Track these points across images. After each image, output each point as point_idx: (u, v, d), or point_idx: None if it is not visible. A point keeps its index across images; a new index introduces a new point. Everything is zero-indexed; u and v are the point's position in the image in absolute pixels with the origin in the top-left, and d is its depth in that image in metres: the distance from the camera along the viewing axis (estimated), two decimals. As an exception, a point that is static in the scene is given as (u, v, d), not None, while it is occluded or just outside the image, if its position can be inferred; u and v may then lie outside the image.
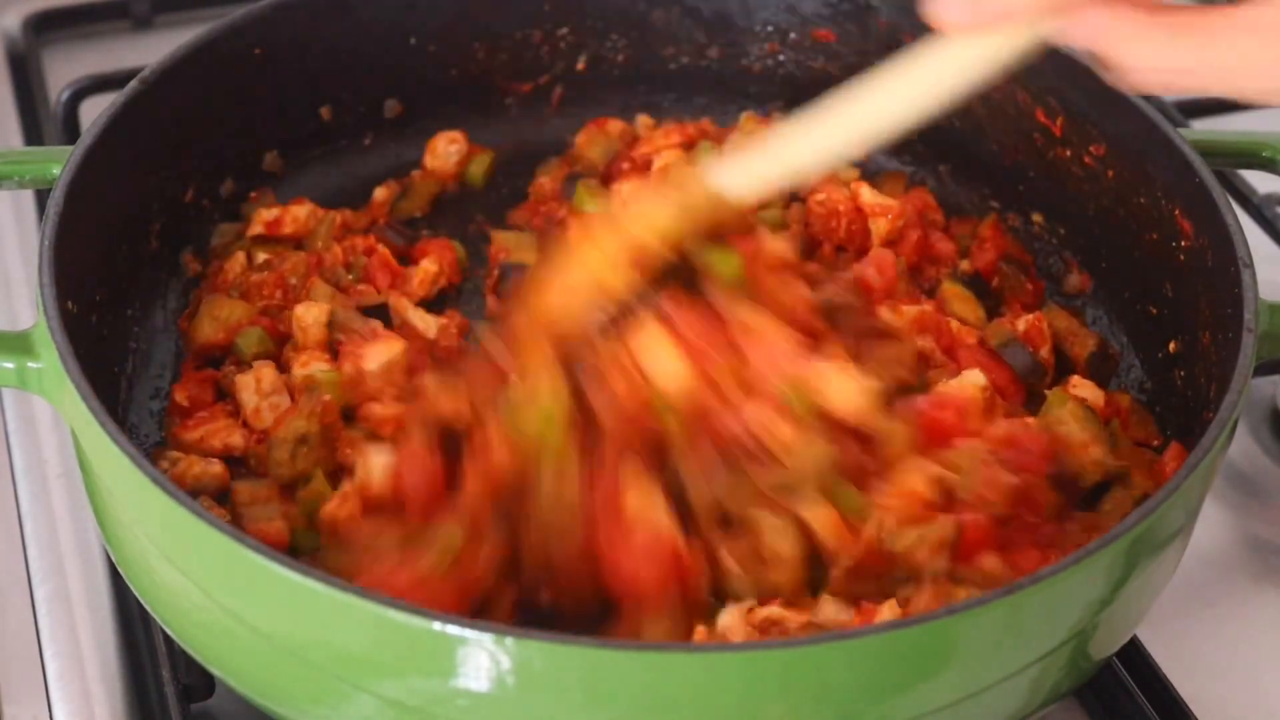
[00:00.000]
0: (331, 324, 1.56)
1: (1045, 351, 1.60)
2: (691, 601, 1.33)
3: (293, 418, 1.46)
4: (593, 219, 1.45)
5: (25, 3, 2.21)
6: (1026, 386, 1.59)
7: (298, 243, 1.69)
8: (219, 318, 1.58)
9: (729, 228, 1.42)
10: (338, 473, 1.46)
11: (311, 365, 1.53)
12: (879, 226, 1.68)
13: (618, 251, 1.39)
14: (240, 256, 1.66)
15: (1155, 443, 1.54)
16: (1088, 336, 1.63)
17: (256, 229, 1.69)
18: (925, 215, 1.74)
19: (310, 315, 1.57)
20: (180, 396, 1.54)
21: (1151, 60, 1.16)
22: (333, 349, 1.56)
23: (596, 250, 1.40)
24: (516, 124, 1.87)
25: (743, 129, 1.83)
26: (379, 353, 1.52)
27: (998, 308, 1.68)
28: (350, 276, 1.64)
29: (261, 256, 1.66)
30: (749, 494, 1.37)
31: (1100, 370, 1.61)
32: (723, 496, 1.37)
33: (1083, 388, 1.56)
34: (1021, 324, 1.61)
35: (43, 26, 2.17)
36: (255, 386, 1.52)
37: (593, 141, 1.83)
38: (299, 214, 1.69)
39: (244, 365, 1.55)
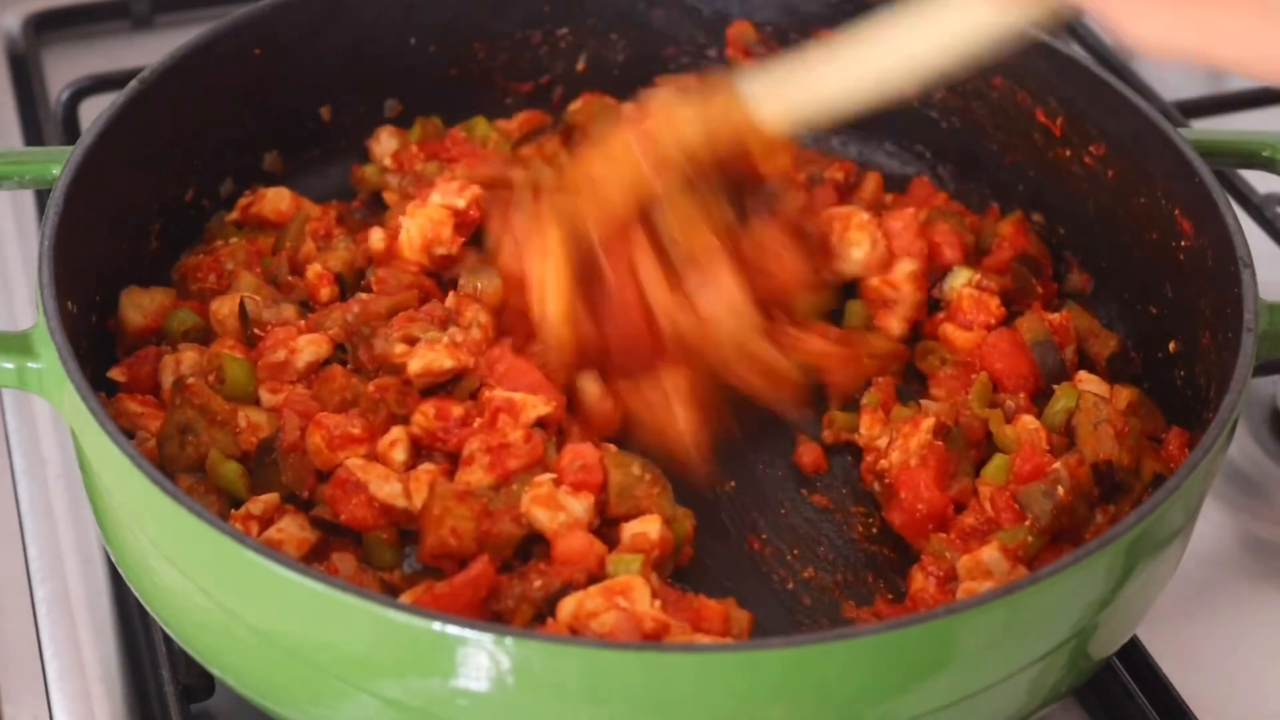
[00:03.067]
0: (245, 316, 1.54)
1: (1070, 352, 1.60)
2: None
3: (170, 411, 1.45)
4: (624, 124, 1.52)
5: (25, 3, 2.21)
6: (1039, 384, 1.59)
7: (278, 229, 1.69)
8: (141, 305, 1.56)
9: (754, 153, 1.48)
10: (246, 458, 1.45)
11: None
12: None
13: (641, 154, 1.47)
14: (217, 244, 1.66)
15: (1163, 435, 1.55)
16: (1109, 337, 1.62)
17: (234, 214, 1.70)
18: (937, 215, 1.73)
19: (225, 308, 1.56)
20: (118, 374, 1.52)
21: (1156, 33, 1.18)
22: (249, 339, 1.54)
23: (621, 152, 1.49)
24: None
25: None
26: (310, 350, 1.51)
27: (1008, 307, 1.67)
28: (291, 276, 1.63)
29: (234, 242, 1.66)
30: None
31: (1122, 372, 1.61)
32: None
33: (1089, 382, 1.56)
34: (1050, 320, 1.61)
35: (43, 26, 2.17)
36: (175, 368, 1.51)
37: (589, 112, 1.83)
38: (268, 195, 1.69)
39: (176, 347, 1.54)
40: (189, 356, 1.52)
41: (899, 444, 1.50)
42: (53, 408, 1.37)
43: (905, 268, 1.65)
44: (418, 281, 1.59)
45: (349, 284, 1.63)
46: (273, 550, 1.18)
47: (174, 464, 1.45)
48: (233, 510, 1.41)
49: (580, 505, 1.38)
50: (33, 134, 2.05)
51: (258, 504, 1.40)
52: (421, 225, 1.60)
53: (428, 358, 1.48)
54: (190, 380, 1.46)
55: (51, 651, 1.48)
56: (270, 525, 1.39)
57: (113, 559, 1.40)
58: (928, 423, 1.50)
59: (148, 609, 1.36)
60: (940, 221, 1.70)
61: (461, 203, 1.62)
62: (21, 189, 1.57)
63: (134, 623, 1.50)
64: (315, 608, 1.17)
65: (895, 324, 1.64)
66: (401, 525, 1.42)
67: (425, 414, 1.46)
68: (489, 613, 1.33)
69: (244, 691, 1.30)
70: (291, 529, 1.39)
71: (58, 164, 1.49)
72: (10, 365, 1.35)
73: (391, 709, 1.20)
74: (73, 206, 1.43)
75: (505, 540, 1.37)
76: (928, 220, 1.71)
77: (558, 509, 1.37)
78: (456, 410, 1.46)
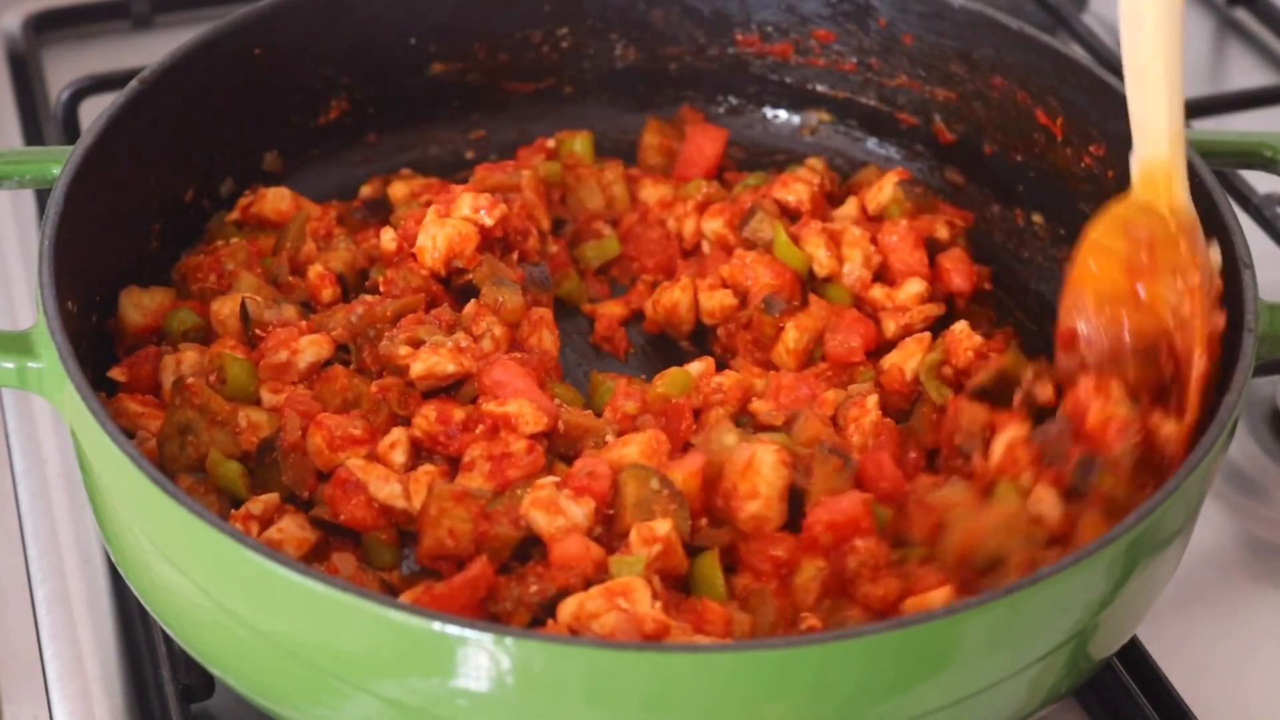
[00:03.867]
0: (246, 316, 1.54)
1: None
2: None
3: (170, 411, 1.46)
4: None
5: (25, 3, 2.21)
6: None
7: (278, 229, 1.69)
8: (141, 305, 1.57)
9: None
10: (246, 458, 1.46)
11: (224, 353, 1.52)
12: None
13: None
14: (217, 244, 1.66)
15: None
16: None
17: (235, 214, 1.70)
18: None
19: (226, 308, 1.57)
20: (118, 374, 1.52)
21: None
22: (250, 340, 1.54)
23: None
24: (517, 124, 1.87)
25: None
26: (311, 351, 1.51)
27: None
28: (291, 276, 1.63)
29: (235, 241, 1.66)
30: None
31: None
32: None
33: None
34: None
35: (43, 26, 2.17)
36: (175, 368, 1.51)
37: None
38: (268, 195, 1.69)
39: (176, 346, 1.54)
40: (189, 356, 1.52)
41: (854, 428, 1.51)
42: (53, 408, 1.37)
43: (912, 289, 1.66)
44: (426, 286, 1.59)
45: (350, 284, 1.63)
46: (273, 550, 1.18)
47: (174, 464, 1.45)
48: (233, 510, 1.41)
49: (580, 510, 1.38)
50: (33, 134, 2.05)
51: (258, 504, 1.40)
52: (449, 237, 1.59)
53: (430, 361, 1.48)
54: (190, 380, 1.46)
55: (51, 651, 1.48)
56: (270, 525, 1.39)
57: (113, 559, 1.40)
58: (872, 399, 1.52)
59: (148, 609, 1.36)
60: (938, 225, 1.71)
61: (490, 221, 1.61)
62: (21, 189, 1.57)
63: (134, 623, 1.50)
64: (315, 608, 1.16)
65: (890, 327, 1.65)
66: (401, 526, 1.42)
67: (426, 417, 1.46)
68: (486, 615, 1.33)
69: (244, 691, 1.30)
70: (291, 529, 1.39)
71: (58, 164, 1.49)
72: (10, 365, 1.35)
73: (391, 709, 1.20)
74: (73, 206, 1.43)
75: (503, 542, 1.37)
76: (920, 218, 1.72)
77: (557, 513, 1.37)
78: (458, 414, 1.46)
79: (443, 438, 1.45)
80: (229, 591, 1.23)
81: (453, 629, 1.12)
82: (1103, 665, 1.39)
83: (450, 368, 1.48)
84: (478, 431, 1.45)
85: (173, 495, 1.21)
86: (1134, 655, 1.47)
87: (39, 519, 1.59)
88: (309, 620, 1.19)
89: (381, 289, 1.59)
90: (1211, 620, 1.56)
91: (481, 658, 1.13)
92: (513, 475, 1.42)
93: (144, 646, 1.48)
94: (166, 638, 1.41)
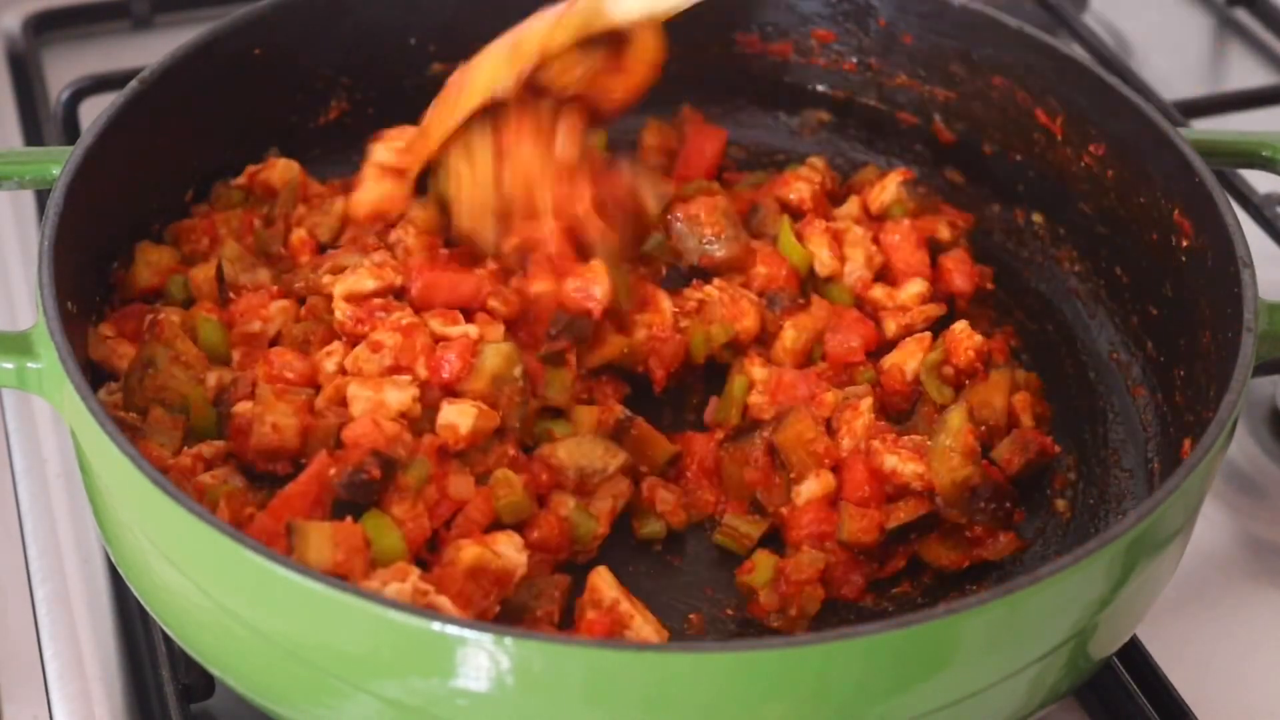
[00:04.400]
0: (221, 278, 1.59)
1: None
2: None
3: (140, 347, 1.49)
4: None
5: (25, 3, 2.21)
6: None
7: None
8: (152, 263, 1.59)
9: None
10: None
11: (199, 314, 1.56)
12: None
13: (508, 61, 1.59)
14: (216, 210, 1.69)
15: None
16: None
17: (243, 179, 1.72)
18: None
19: (203, 274, 1.60)
20: (107, 329, 1.54)
21: None
22: (224, 300, 1.58)
23: (491, 59, 1.60)
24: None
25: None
26: (281, 318, 1.56)
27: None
28: (284, 249, 1.65)
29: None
30: None
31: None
32: None
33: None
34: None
35: (43, 26, 2.17)
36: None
37: None
38: (279, 165, 1.71)
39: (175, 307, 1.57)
40: (171, 319, 1.54)
41: (845, 430, 1.52)
42: (53, 408, 1.37)
43: (913, 288, 1.66)
44: (384, 233, 1.64)
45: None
46: (272, 550, 1.18)
47: (133, 396, 1.47)
48: (185, 449, 1.44)
49: (397, 395, 1.44)
50: (33, 134, 2.05)
51: (210, 448, 1.45)
52: (371, 195, 1.64)
53: (349, 281, 1.53)
54: (161, 317, 1.50)
55: (51, 651, 1.48)
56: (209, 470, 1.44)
57: (113, 559, 1.40)
58: (866, 403, 1.53)
59: (148, 609, 1.36)
60: (940, 226, 1.71)
61: (393, 159, 1.66)
62: (21, 189, 1.57)
63: (134, 623, 1.50)
64: (315, 608, 1.17)
65: (891, 327, 1.65)
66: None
67: (340, 308, 1.52)
68: (324, 513, 1.37)
69: (244, 691, 1.30)
70: (224, 477, 1.43)
71: (58, 164, 1.49)
72: (10, 365, 1.35)
73: (391, 709, 1.20)
74: (73, 206, 1.43)
75: (327, 432, 1.43)
76: (922, 218, 1.72)
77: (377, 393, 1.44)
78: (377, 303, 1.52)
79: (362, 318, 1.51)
80: (229, 591, 1.23)
81: (452, 629, 1.12)
82: (1103, 665, 1.39)
83: (369, 283, 1.53)
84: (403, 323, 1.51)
85: (173, 495, 1.21)
86: (1134, 655, 1.47)
87: (39, 519, 1.59)
88: (309, 620, 1.19)
89: (343, 244, 1.64)
90: (1211, 620, 1.56)
91: (481, 658, 1.13)
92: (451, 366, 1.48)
93: (144, 646, 1.48)
94: (166, 638, 1.42)
